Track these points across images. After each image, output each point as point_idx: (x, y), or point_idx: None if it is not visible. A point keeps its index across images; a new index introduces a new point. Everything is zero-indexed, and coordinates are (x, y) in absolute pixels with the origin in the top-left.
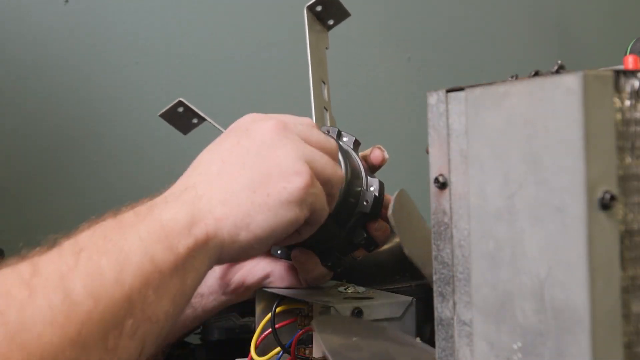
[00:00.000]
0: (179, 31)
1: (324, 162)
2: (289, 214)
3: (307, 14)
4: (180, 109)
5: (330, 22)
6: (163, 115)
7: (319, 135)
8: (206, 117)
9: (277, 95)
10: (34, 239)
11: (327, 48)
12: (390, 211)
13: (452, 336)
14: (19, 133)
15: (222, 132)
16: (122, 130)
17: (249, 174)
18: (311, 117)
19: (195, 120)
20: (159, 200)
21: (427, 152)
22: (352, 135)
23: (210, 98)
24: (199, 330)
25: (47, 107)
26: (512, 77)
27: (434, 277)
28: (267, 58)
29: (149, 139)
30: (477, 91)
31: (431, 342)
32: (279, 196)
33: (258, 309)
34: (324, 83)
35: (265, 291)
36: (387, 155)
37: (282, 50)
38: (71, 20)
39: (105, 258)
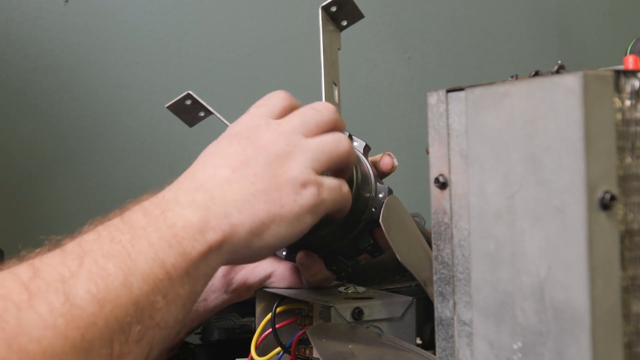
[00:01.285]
0: (180, 30)
1: (329, 154)
2: (301, 225)
3: (321, 14)
4: (188, 102)
5: (344, 23)
6: (170, 107)
7: (316, 118)
8: (213, 111)
9: (270, 88)
10: (34, 239)
11: (339, 49)
12: (380, 218)
13: (452, 336)
14: (17, 133)
15: (229, 126)
16: (122, 130)
17: (261, 184)
18: None
19: (202, 114)
20: (169, 198)
21: (427, 152)
22: (362, 140)
23: (212, 97)
24: (199, 330)
25: (46, 107)
26: (512, 77)
27: (435, 277)
28: (270, 56)
29: (149, 139)
30: (477, 91)
31: (431, 342)
32: (292, 208)
33: (258, 309)
34: (335, 84)
35: (266, 291)
36: (396, 163)
37: (285, 48)
38: (71, 20)
39: (112, 262)
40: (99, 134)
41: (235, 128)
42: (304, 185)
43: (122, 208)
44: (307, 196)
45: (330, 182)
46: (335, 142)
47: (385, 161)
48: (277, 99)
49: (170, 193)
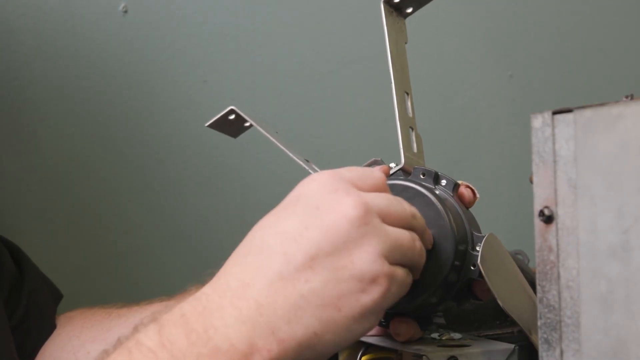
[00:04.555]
0: (253, 45)
1: (405, 250)
2: (362, 328)
3: (384, 9)
4: (232, 117)
5: (409, 10)
6: (212, 125)
7: (399, 210)
8: (255, 124)
9: (354, 110)
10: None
11: (405, 42)
12: (478, 260)
13: None
14: (75, 149)
15: (271, 139)
16: (187, 158)
17: (318, 282)
18: (397, 140)
19: (247, 124)
20: (213, 305)
21: (531, 182)
22: (450, 178)
23: (288, 120)
24: None
25: (104, 127)
26: (626, 97)
27: (539, 322)
28: (353, 73)
29: (218, 166)
30: (588, 113)
31: None
32: (352, 311)
33: (341, 357)
34: (407, 94)
35: None
36: (477, 195)
37: (370, 66)
38: (131, 33)
39: None
40: (160, 158)
41: (308, 186)
42: (374, 280)
43: (159, 320)
44: (374, 294)
45: (402, 274)
46: (413, 241)
47: (461, 193)
48: (372, 177)
49: (215, 296)
